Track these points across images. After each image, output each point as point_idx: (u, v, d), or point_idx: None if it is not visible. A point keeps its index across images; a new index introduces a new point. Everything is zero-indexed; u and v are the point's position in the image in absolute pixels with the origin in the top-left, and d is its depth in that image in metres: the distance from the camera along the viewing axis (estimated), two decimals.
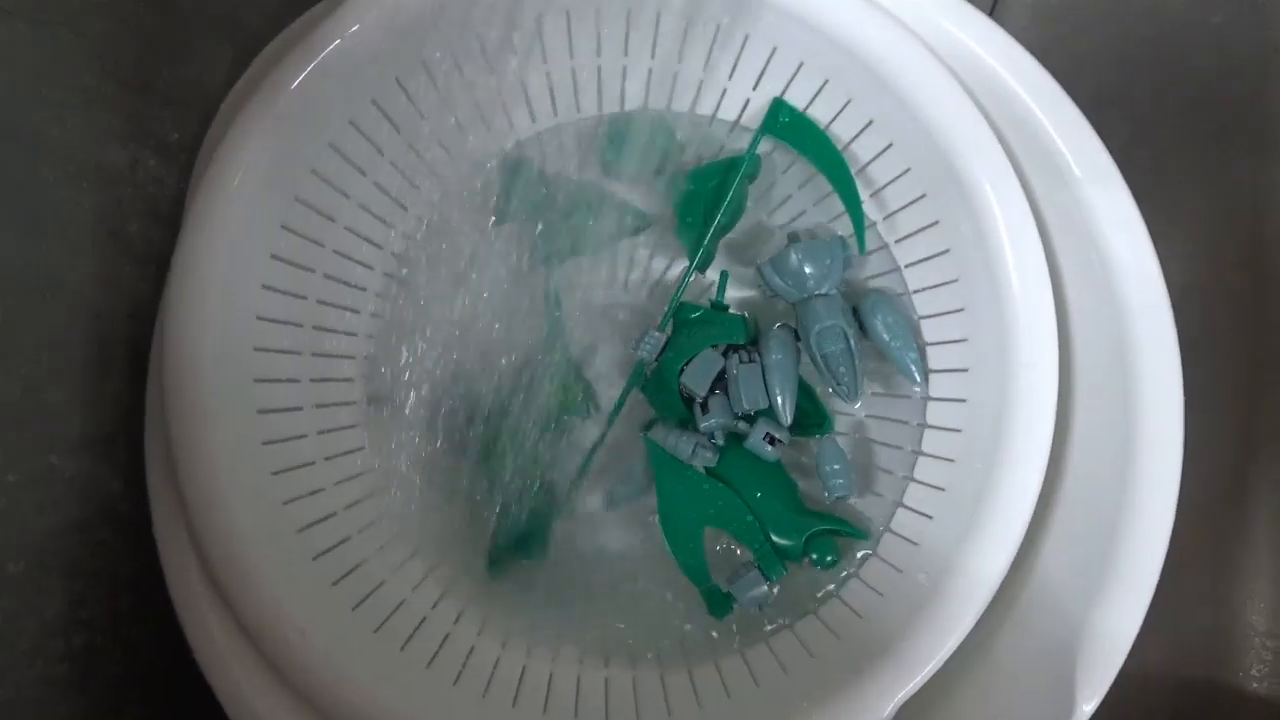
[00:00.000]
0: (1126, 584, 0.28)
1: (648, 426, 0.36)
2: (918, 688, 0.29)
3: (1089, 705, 0.27)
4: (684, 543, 0.35)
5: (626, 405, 0.36)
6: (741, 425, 0.35)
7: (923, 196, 0.33)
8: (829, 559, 0.34)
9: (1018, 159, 0.31)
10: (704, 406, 0.34)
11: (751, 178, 0.36)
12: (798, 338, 0.35)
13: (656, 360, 0.35)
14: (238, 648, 0.29)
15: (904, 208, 0.34)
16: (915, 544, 0.33)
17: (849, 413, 0.36)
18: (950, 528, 0.31)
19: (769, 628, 0.34)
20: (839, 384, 0.34)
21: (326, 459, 0.34)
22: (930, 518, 0.33)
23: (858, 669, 0.30)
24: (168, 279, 0.29)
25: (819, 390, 0.36)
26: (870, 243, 0.35)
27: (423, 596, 0.34)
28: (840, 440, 0.36)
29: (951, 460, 0.33)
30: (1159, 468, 0.29)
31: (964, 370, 0.33)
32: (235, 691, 0.29)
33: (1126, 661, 0.39)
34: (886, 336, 0.34)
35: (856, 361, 0.34)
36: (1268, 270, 0.40)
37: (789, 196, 0.37)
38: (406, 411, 0.35)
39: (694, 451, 0.34)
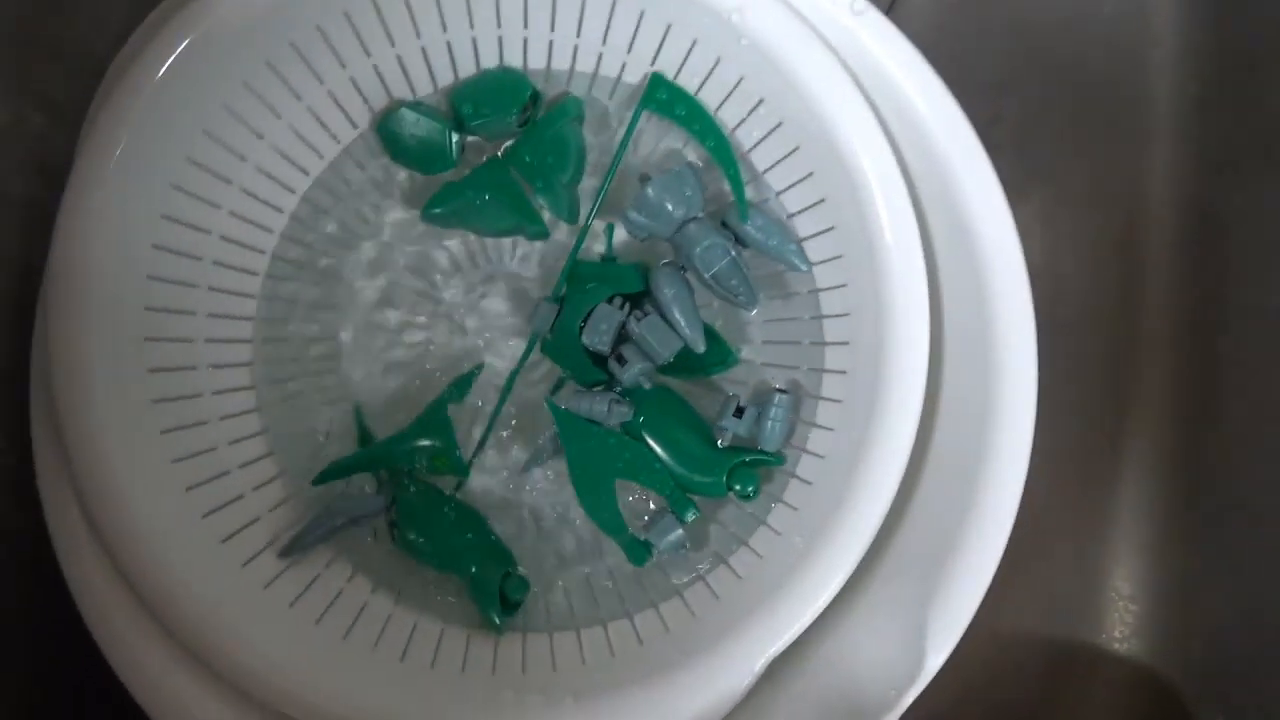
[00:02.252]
0: (977, 549, 0.30)
1: (556, 388, 0.37)
2: (788, 643, 0.31)
3: (938, 657, 0.29)
4: (596, 499, 0.36)
5: (542, 372, 0.37)
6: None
7: (796, 150, 0.34)
8: (750, 489, 0.35)
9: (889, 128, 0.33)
10: (620, 359, 0.35)
11: (579, 120, 0.37)
12: (684, 269, 0.36)
13: (552, 328, 0.36)
14: (123, 602, 0.29)
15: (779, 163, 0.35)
16: (795, 509, 0.34)
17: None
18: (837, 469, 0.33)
19: (679, 580, 0.35)
20: (736, 296, 0.36)
21: (221, 419, 0.34)
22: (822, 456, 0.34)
23: (733, 626, 0.32)
24: (53, 236, 0.29)
25: (718, 324, 0.37)
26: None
27: (317, 556, 0.35)
28: (740, 388, 0.37)
29: (843, 372, 0.35)
30: (1012, 439, 0.31)
31: (840, 257, 0.34)
32: (120, 643, 0.29)
33: (999, 621, 0.41)
34: (762, 237, 0.35)
35: (744, 269, 0.35)
36: (1143, 252, 0.42)
37: (640, 130, 0.37)
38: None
39: (610, 409, 0.35)
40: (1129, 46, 0.43)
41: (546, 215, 0.37)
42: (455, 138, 0.36)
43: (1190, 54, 0.42)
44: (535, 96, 0.36)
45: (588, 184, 0.38)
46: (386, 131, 0.36)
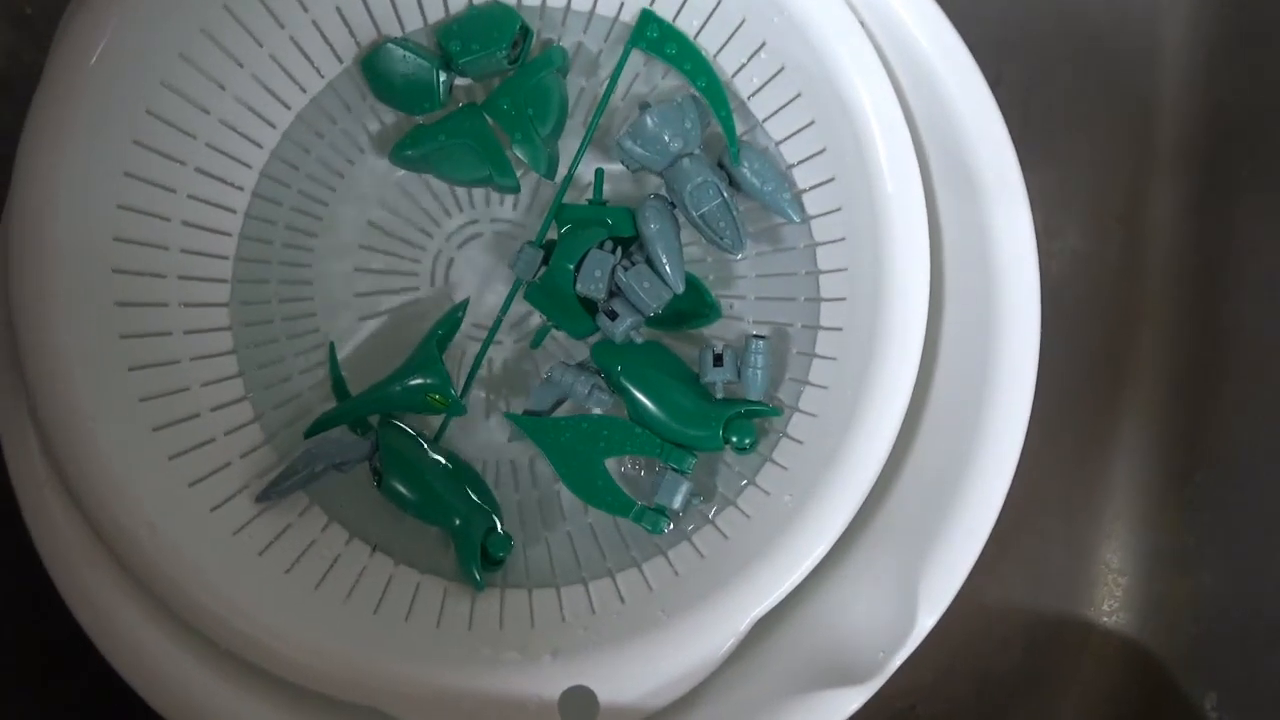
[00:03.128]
0: (972, 510, 0.29)
1: (539, 339, 0.36)
2: (775, 604, 0.30)
3: (929, 619, 0.28)
4: (592, 487, 0.35)
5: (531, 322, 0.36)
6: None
7: (797, 96, 0.33)
8: (748, 441, 0.34)
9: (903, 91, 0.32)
10: (611, 314, 0.34)
11: (563, 71, 0.35)
12: (672, 206, 0.35)
13: (537, 275, 0.35)
14: (81, 538, 0.28)
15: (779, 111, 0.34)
16: (785, 469, 0.33)
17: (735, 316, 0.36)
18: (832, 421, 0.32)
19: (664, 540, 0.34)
20: (721, 239, 0.34)
21: (193, 359, 0.33)
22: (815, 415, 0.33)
23: (718, 586, 0.31)
24: (18, 154, 0.28)
25: (706, 279, 0.36)
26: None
27: (291, 505, 0.33)
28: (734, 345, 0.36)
29: (839, 330, 0.34)
30: (1011, 400, 0.30)
31: (839, 210, 0.33)
32: (76, 582, 0.28)
33: (987, 593, 0.41)
34: (757, 182, 0.34)
35: (734, 212, 0.34)
36: (1145, 219, 0.41)
37: (636, 74, 0.36)
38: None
39: (590, 394, 0.34)
40: (1135, 5, 0.41)
41: (522, 170, 0.36)
42: (443, 76, 0.34)
43: (1198, 13, 0.41)
44: (526, 32, 0.35)
45: (578, 123, 0.37)
46: (371, 68, 0.35)
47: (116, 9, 0.28)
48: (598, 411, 0.35)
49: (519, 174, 0.36)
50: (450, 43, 0.34)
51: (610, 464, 0.35)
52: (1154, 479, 0.41)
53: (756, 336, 0.34)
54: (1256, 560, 0.36)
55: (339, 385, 0.35)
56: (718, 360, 0.34)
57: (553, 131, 0.35)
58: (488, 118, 0.35)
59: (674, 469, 0.34)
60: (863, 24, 0.31)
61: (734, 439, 0.34)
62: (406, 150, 0.35)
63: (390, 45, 0.34)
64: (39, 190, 0.28)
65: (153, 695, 0.28)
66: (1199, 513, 0.39)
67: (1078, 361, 0.41)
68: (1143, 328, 0.41)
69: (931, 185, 0.33)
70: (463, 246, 0.37)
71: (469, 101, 0.36)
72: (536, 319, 0.37)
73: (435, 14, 0.35)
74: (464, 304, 0.36)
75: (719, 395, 0.35)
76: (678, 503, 0.33)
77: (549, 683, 0.30)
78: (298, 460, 0.33)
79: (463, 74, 0.35)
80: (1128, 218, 0.41)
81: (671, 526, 0.34)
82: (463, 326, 0.36)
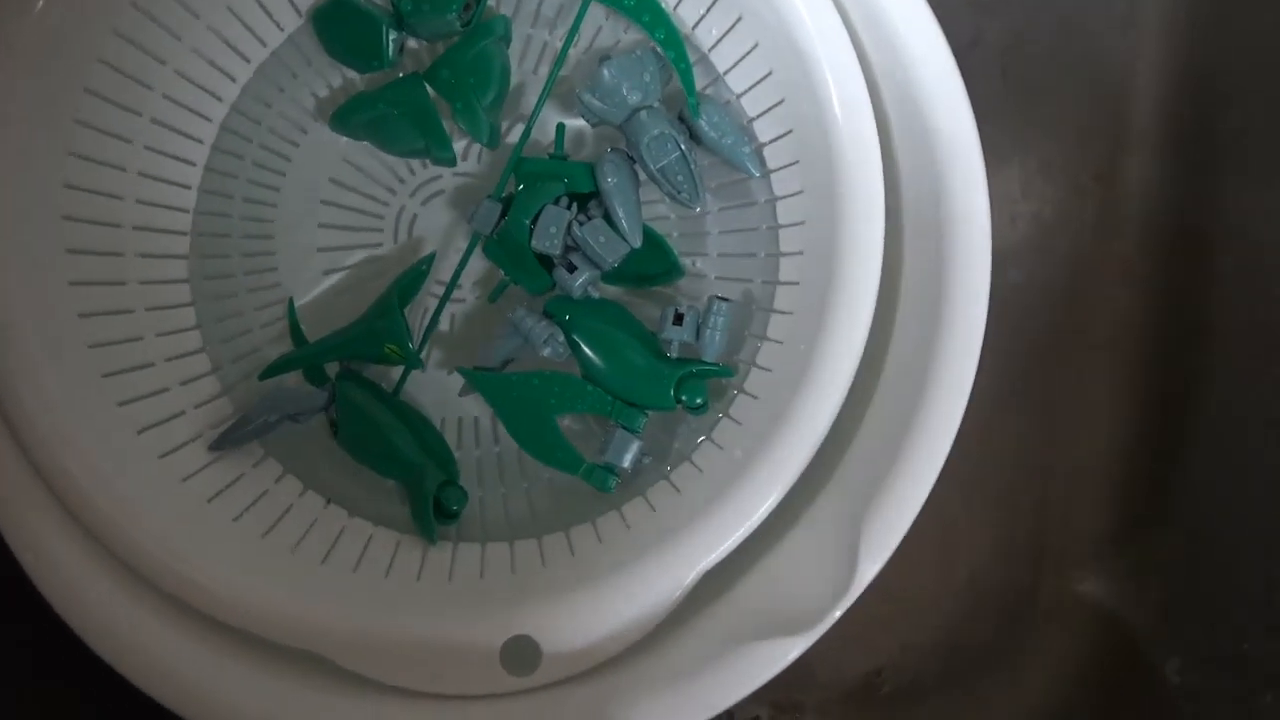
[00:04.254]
0: (917, 459, 0.29)
1: (497, 293, 0.36)
2: (721, 557, 0.30)
3: (871, 567, 0.28)
4: (541, 442, 0.35)
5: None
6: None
7: (755, 47, 0.33)
8: (699, 401, 0.34)
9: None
10: (570, 267, 0.34)
11: (505, 40, 0.35)
12: (632, 160, 0.35)
13: (495, 231, 0.35)
14: (24, 479, 0.28)
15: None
16: (739, 424, 0.33)
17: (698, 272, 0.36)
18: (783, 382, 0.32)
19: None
20: (679, 192, 0.34)
21: (148, 310, 0.33)
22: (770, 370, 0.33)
23: (665, 538, 0.31)
24: None
25: (670, 237, 0.36)
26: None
27: (245, 455, 0.33)
28: (695, 304, 0.35)
29: (797, 284, 0.33)
30: (956, 364, 0.30)
31: (796, 163, 0.33)
32: (16, 519, 0.28)
33: (955, 560, 0.40)
34: (716, 135, 0.34)
35: (692, 166, 0.34)
36: (1123, 181, 0.41)
37: (599, 28, 0.36)
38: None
39: (546, 341, 0.34)
40: None
41: (466, 141, 0.36)
42: (393, 35, 0.34)
43: None
44: None
45: (540, 77, 0.36)
46: (321, 21, 0.34)
47: None
48: (553, 364, 0.35)
49: (461, 144, 0.35)
50: (402, 1, 0.34)
51: (564, 420, 0.35)
52: (1126, 444, 0.40)
53: (720, 299, 0.34)
54: (1225, 525, 0.36)
55: (297, 334, 0.35)
56: (678, 319, 0.34)
57: (494, 100, 0.35)
58: (428, 88, 0.35)
59: (624, 427, 0.34)
60: None
61: (684, 398, 0.34)
62: (346, 118, 0.35)
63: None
64: None
65: (93, 637, 0.28)
66: (1169, 478, 0.38)
67: (1052, 322, 0.40)
68: (1117, 290, 0.40)
69: (891, 142, 0.32)
70: (426, 202, 0.37)
71: (411, 73, 0.35)
72: (499, 274, 0.36)
73: None
74: (430, 257, 0.36)
75: (674, 354, 0.34)
76: (627, 461, 0.33)
77: (493, 632, 0.30)
78: (253, 410, 0.33)
79: (413, 34, 0.35)
80: (1106, 177, 0.40)
81: (619, 483, 0.33)
82: (425, 284, 0.36)
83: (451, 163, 0.35)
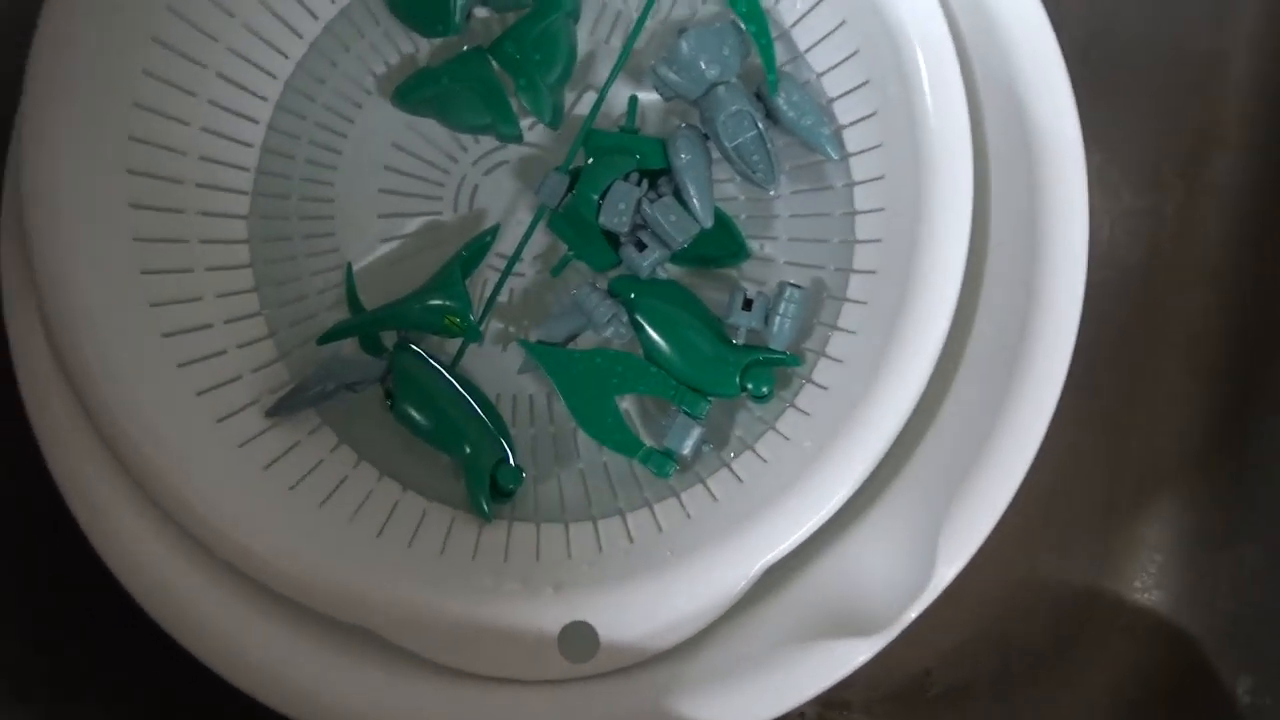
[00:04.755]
0: (1000, 462, 0.28)
1: (560, 267, 0.35)
2: (788, 551, 0.29)
3: (949, 570, 0.27)
4: (601, 423, 0.34)
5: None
6: None
7: (842, 24, 0.32)
8: (765, 390, 0.33)
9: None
10: (638, 245, 0.33)
11: (574, 16, 0.34)
12: (705, 138, 0.33)
13: (561, 204, 0.34)
14: (85, 440, 0.28)
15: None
16: (807, 415, 0.32)
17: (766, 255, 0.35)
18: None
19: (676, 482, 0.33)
20: (754, 171, 0.33)
21: (208, 270, 0.32)
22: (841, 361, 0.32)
23: (730, 529, 0.30)
24: (32, 47, 0.27)
25: (736, 219, 0.35)
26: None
27: (301, 423, 0.33)
28: (762, 288, 0.35)
29: (872, 271, 0.32)
30: (1046, 366, 0.29)
31: (879, 146, 0.32)
32: (78, 482, 0.28)
33: (1014, 560, 0.39)
34: (795, 115, 0.33)
35: (768, 145, 0.33)
36: (1212, 184, 0.39)
37: None
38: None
39: (609, 321, 0.33)
40: None
41: (530, 122, 0.35)
42: (461, 1, 0.33)
43: None
44: None
45: (613, 47, 0.35)
46: None
47: None
48: (615, 345, 0.34)
49: (526, 124, 0.35)
50: None
51: (626, 401, 0.34)
52: (1200, 451, 0.39)
53: (793, 285, 0.33)
54: None
55: (354, 301, 0.35)
56: (747, 304, 0.33)
57: (559, 79, 0.34)
58: (493, 62, 0.34)
59: (686, 413, 0.33)
60: None
61: (750, 386, 0.33)
62: (409, 93, 0.34)
63: None
64: (50, 84, 0.27)
65: (147, 599, 0.28)
66: (1245, 489, 0.37)
67: (1127, 323, 0.39)
68: (1199, 296, 0.39)
69: (982, 127, 0.31)
70: (490, 172, 0.36)
71: (475, 46, 0.34)
72: (561, 249, 0.36)
73: None
74: (494, 229, 0.35)
75: (740, 340, 0.33)
76: (687, 448, 0.32)
77: (550, 616, 0.29)
78: (310, 377, 0.33)
79: (482, 2, 0.34)
80: (1188, 174, 0.39)
81: (679, 470, 0.33)
82: (495, 238, 0.35)
83: (518, 139, 0.35)
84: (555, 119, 0.34)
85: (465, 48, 0.34)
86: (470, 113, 0.34)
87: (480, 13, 0.35)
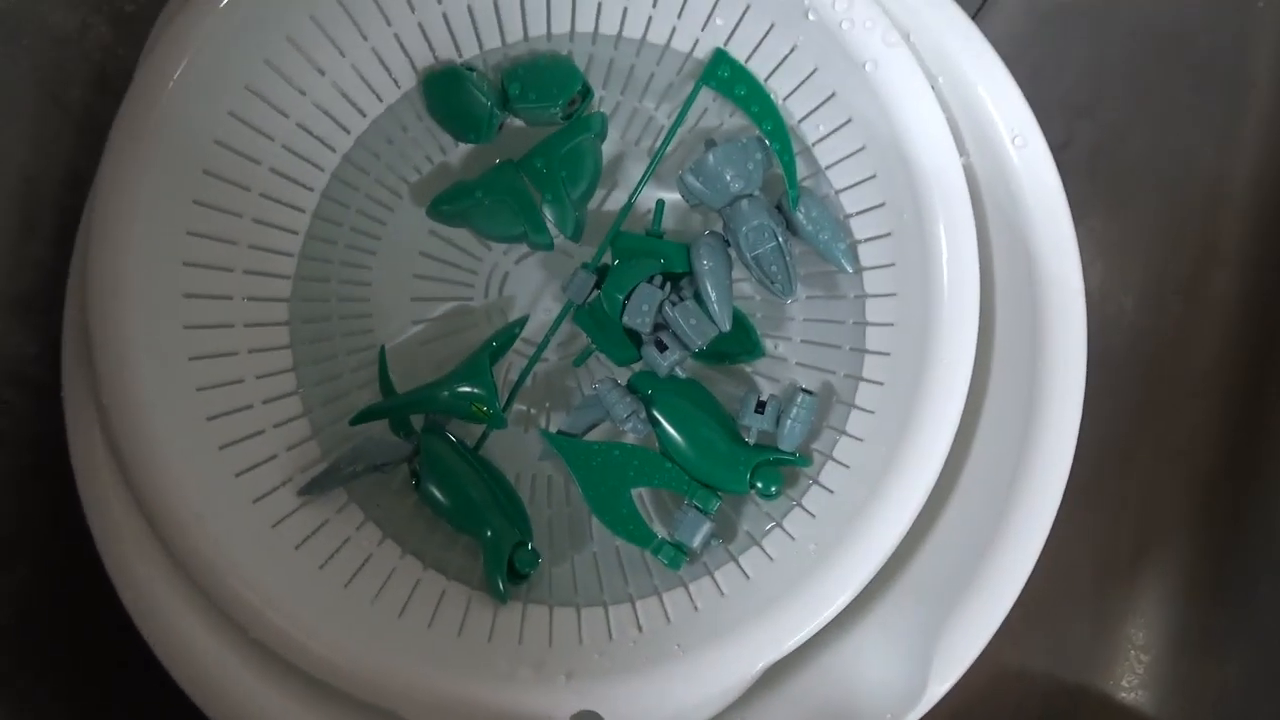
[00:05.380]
0: (995, 583, 0.29)
1: (582, 359, 0.36)
2: (790, 650, 0.30)
3: (940, 687, 0.28)
4: (616, 514, 0.35)
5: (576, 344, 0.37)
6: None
7: (861, 149, 0.33)
8: (774, 489, 0.34)
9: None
10: (660, 345, 0.35)
11: (600, 137, 0.36)
12: (727, 244, 0.35)
13: (587, 301, 0.35)
14: (132, 521, 0.29)
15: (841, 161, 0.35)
16: (812, 516, 0.34)
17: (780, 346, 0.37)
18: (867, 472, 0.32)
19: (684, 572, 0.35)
20: (773, 283, 0.35)
21: (250, 351, 0.34)
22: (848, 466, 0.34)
23: (736, 626, 0.31)
24: (104, 152, 0.29)
25: (752, 317, 0.37)
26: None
27: (330, 501, 0.34)
28: (772, 386, 0.36)
29: (881, 383, 0.34)
30: (1043, 485, 0.30)
31: (892, 265, 0.33)
32: (123, 562, 0.29)
33: (1006, 656, 0.41)
34: (814, 230, 0.34)
35: (788, 258, 0.34)
36: (1206, 296, 0.41)
37: (704, 109, 0.37)
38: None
39: (628, 418, 0.35)
40: (1216, 73, 0.41)
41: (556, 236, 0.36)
42: (497, 114, 0.35)
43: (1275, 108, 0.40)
44: (586, 92, 0.35)
45: (643, 151, 0.37)
46: (430, 88, 0.35)
47: (208, 17, 0.29)
48: (631, 439, 0.36)
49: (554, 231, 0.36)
50: (512, 84, 0.35)
51: (640, 489, 0.36)
52: (1188, 558, 0.40)
53: (805, 391, 0.34)
54: None
55: (386, 383, 0.36)
56: (760, 407, 0.35)
57: (583, 195, 0.36)
58: (523, 176, 0.35)
59: (697, 508, 0.34)
60: (933, 84, 0.31)
61: (759, 485, 0.34)
62: (444, 205, 0.36)
63: (457, 69, 0.35)
64: (122, 182, 0.29)
65: (184, 678, 0.29)
66: (1232, 596, 0.39)
67: (1117, 429, 0.40)
68: (1190, 404, 0.40)
69: (989, 251, 0.33)
70: (520, 261, 0.38)
71: (506, 160, 0.36)
72: (583, 338, 0.37)
73: (491, 41, 0.36)
74: (522, 321, 0.37)
75: (751, 440, 0.35)
76: (697, 542, 0.34)
77: (560, 704, 0.30)
78: (341, 458, 0.34)
79: (517, 116, 0.36)
80: (1187, 291, 0.41)
81: (688, 562, 0.34)
82: (523, 330, 0.37)
83: (549, 247, 0.36)
84: (577, 233, 0.36)
85: (497, 160, 0.36)
86: (504, 224, 0.36)
87: (513, 123, 0.37)
